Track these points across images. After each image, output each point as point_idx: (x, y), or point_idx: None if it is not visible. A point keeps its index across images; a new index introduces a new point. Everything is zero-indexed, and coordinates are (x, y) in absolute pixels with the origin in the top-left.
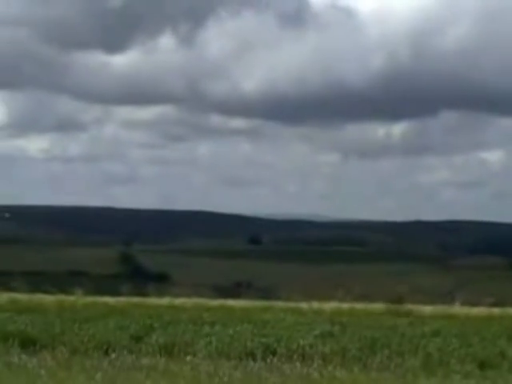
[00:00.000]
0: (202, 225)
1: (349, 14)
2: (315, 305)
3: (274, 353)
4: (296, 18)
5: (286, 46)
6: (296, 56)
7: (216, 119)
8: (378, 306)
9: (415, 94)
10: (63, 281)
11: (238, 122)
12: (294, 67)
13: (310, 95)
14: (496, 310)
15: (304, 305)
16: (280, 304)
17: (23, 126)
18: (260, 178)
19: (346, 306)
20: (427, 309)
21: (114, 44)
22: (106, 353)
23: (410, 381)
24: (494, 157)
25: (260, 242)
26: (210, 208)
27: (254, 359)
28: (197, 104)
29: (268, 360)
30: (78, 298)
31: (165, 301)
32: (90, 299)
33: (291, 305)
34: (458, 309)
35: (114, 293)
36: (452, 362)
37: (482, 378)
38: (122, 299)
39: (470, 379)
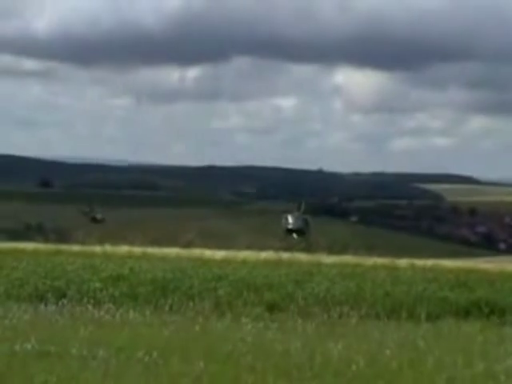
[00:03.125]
0: None
1: None
2: (108, 248)
3: (64, 296)
4: None
5: None
6: None
7: (8, 59)
8: (170, 250)
9: (209, 38)
10: None
11: (30, 63)
12: (88, 8)
13: (104, 37)
14: (284, 255)
15: (96, 248)
16: (71, 247)
17: None
18: (52, 121)
19: (138, 249)
20: (218, 253)
21: None
22: None
23: (200, 323)
24: (286, 103)
25: (51, 185)
26: (1, 150)
27: (45, 302)
28: None
29: (59, 303)
30: None
31: None
32: None
33: (83, 248)
34: (247, 253)
35: None
36: (241, 305)
37: (270, 320)
38: None
39: (258, 322)
